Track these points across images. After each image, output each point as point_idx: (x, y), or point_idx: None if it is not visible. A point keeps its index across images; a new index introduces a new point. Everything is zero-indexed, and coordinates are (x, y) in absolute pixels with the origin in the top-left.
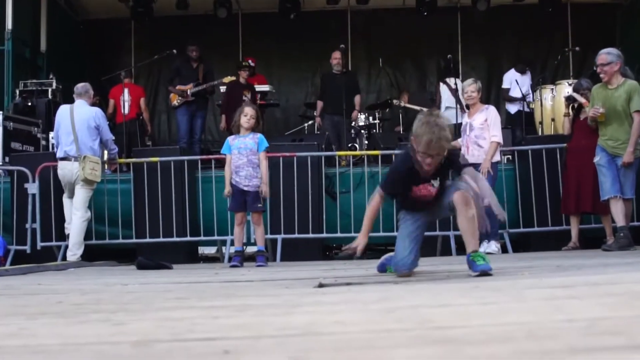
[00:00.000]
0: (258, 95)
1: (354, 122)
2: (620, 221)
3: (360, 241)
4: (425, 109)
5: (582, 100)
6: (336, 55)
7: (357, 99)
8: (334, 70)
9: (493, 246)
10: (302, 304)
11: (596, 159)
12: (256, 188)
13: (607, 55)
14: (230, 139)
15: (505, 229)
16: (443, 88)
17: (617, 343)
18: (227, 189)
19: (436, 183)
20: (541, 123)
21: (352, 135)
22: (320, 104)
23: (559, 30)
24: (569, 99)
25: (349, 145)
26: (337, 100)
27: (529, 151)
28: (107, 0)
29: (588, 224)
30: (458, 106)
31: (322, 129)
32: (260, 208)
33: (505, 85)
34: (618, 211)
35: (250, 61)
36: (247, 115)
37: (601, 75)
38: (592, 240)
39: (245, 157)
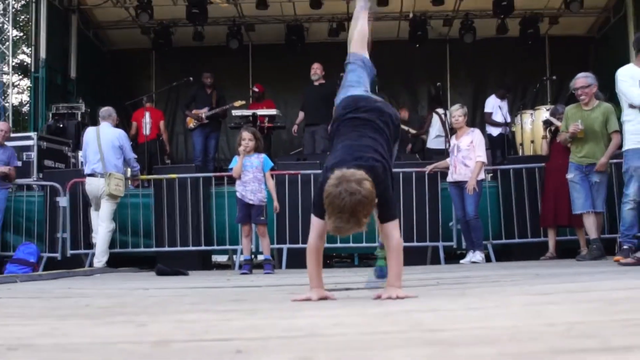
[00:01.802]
0: (265, 119)
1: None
2: (593, 234)
3: (314, 295)
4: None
5: (558, 123)
6: (314, 66)
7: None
8: (314, 82)
9: (478, 256)
10: (306, 308)
11: (569, 176)
12: (260, 202)
13: (586, 79)
14: (238, 157)
15: (489, 240)
16: (435, 118)
17: (592, 345)
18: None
19: None
20: (521, 145)
21: (327, 143)
22: (301, 114)
23: (538, 61)
24: (546, 123)
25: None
26: (313, 110)
27: (511, 170)
28: (130, 32)
29: (564, 236)
30: (445, 135)
31: (303, 140)
32: (263, 221)
33: (487, 110)
34: (591, 225)
35: (256, 87)
36: (245, 139)
37: (582, 98)
38: (567, 251)
39: (251, 173)
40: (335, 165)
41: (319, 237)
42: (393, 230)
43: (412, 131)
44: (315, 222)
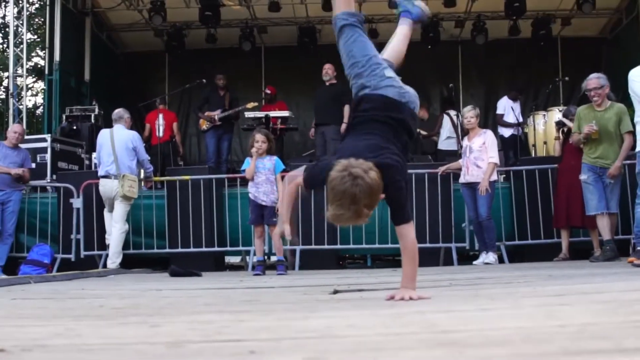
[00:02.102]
0: (278, 121)
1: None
2: (606, 235)
3: (285, 227)
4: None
5: (570, 124)
6: (325, 67)
7: (346, 109)
8: (325, 82)
9: (491, 257)
10: (319, 309)
11: (583, 177)
12: (273, 203)
13: (599, 80)
14: (250, 159)
15: (502, 241)
16: (445, 119)
17: (605, 347)
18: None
19: None
20: (534, 146)
21: (337, 144)
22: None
23: (550, 62)
24: (559, 124)
25: None
26: (322, 110)
27: (524, 171)
28: (143, 35)
29: (577, 237)
30: (456, 137)
31: (315, 140)
32: (276, 221)
33: (499, 111)
34: (604, 226)
35: (268, 90)
36: (258, 141)
37: (595, 99)
38: (580, 252)
39: (264, 175)
40: (348, 157)
41: (292, 195)
42: (408, 233)
43: (423, 133)
44: (291, 188)
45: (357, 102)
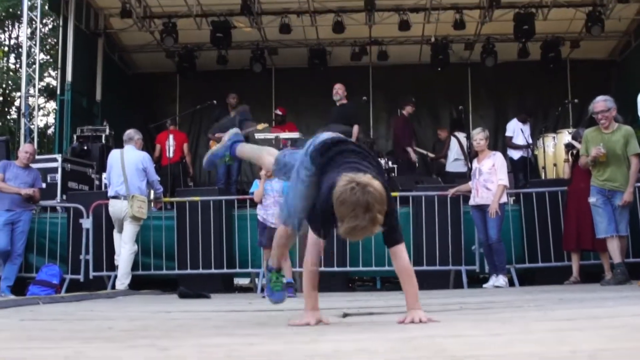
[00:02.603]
0: (287, 142)
1: None
2: (617, 258)
3: (311, 319)
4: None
5: (580, 147)
6: (336, 87)
7: (354, 130)
8: (336, 102)
9: (501, 280)
10: (328, 332)
11: (592, 200)
12: None
13: (605, 102)
14: (259, 181)
15: (512, 264)
16: (453, 141)
17: None
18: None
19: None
20: (544, 168)
21: None
22: None
23: (560, 84)
24: (568, 146)
25: None
26: (330, 130)
27: (534, 193)
28: (155, 56)
29: (588, 260)
30: (464, 159)
31: None
32: None
33: (508, 134)
34: (615, 249)
35: (279, 111)
36: None
37: (602, 122)
38: (591, 275)
39: (272, 197)
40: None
41: (317, 256)
42: (403, 253)
43: (431, 155)
44: (312, 239)
45: (320, 154)
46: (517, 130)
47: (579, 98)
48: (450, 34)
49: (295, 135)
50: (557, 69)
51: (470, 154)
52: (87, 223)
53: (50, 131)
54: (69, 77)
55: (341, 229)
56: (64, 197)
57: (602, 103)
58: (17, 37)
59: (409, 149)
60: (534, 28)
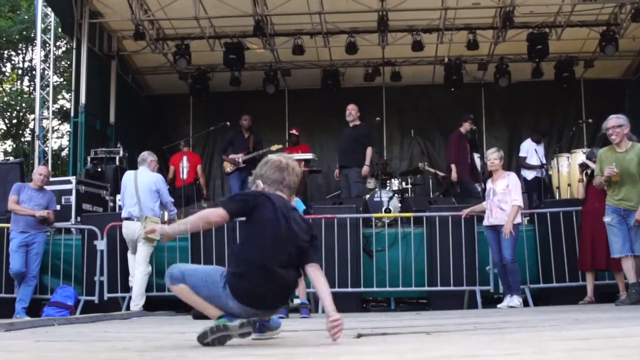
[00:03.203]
0: (301, 163)
1: (365, 178)
2: (632, 278)
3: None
4: (439, 173)
5: (594, 166)
6: (349, 107)
7: (368, 152)
8: (349, 123)
9: (515, 300)
10: (343, 352)
11: (606, 219)
12: None
13: (618, 119)
14: None
15: (527, 284)
16: None
17: None
18: None
19: None
20: (558, 188)
21: (360, 187)
22: None
23: (574, 104)
24: (582, 166)
25: (384, 208)
26: (342, 152)
27: (548, 214)
28: (168, 78)
29: (602, 280)
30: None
31: (340, 182)
32: None
33: (522, 154)
34: (629, 268)
35: (294, 131)
36: None
37: (612, 137)
38: (606, 295)
39: None
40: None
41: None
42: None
43: (441, 174)
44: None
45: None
46: (531, 151)
47: (593, 118)
48: (463, 54)
49: (309, 156)
50: (571, 88)
51: (484, 175)
52: (101, 245)
53: (64, 153)
54: (82, 100)
55: (270, 177)
56: (79, 218)
57: (614, 119)
58: (30, 60)
59: (453, 166)
60: (548, 48)
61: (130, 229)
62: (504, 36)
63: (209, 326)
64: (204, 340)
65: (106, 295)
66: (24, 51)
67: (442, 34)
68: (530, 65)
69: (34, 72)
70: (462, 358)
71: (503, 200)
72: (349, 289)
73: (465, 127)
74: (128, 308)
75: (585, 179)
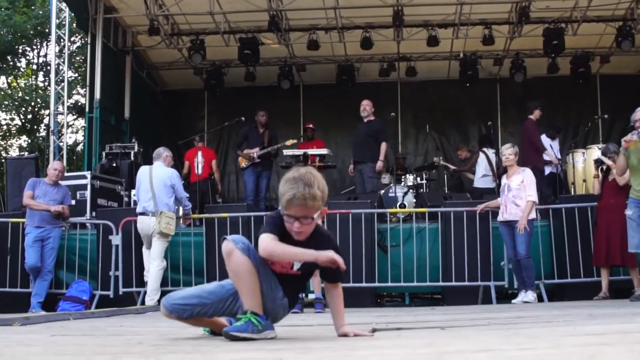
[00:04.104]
0: (316, 158)
1: (379, 173)
2: None
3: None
4: (454, 167)
5: (609, 163)
6: (363, 103)
7: (382, 147)
8: (363, 119)
9: (530, 296)
10: (357, 347)
11: (628, 212)
12: None
13: None
14: None
15: (541, 279)
16: (481, 157)
17: None
18: None
19: (297, 266)
20: (573, 184)
21: (374, 182)
22: None
23: (589, 100)
24: (598, 162)
25: (399, 203)
26: (358, 148)
27: (563, 209)
28: (183, 73)
29: (617, 276)
30: (492, 175)
31: (354, 177)
32: None
33: None
34: None
35: (311, 125)
36: None
37: None
38: (621, 291)
39: None
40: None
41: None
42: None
43: (452, 167)
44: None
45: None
46: (546, 147)
47: (609, 113)
48: (479, 49)
49: (323, 151)
50: (586, 84)
51: (499, 170)
52: (116, 239)
53: (79, 148)
54: (97, 95)
55: (283, 205)
56: (94, 213)
57: None
58: (45, 55)
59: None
60: (564, 43)
61: (145, 224)
62: (520, 31)
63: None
64: (239, 336)
65: (121, 290)
66: (39, 46)
67: (458, 29)
68: (546, 60)
69: (48, 68)
70: (476, 353)
71: (518, 195)
72: (364, 284)
73: (536, 114)
74: (143, 303)
75: (600, 175)
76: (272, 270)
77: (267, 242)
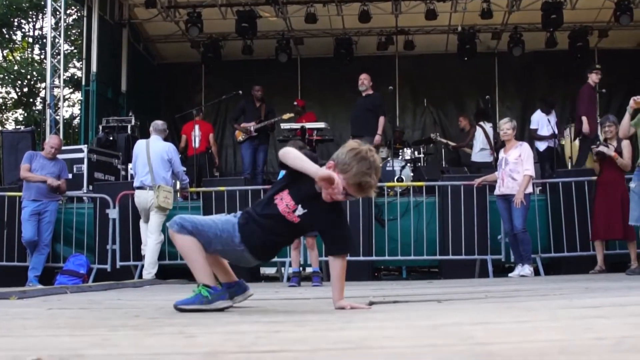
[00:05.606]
0: (313, 132)
1: (377, 147)
2: None
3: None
4: (450, 143)
5: (611, 153)
6: (361, 77)
7: (380, 121)
8: (362, 92)
9: (527, 269)
10: (354, 320)
11: (632, 185)
12: None
13: None
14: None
15: (538, 253)
16: (479, 131)
17: None
18: None
19: (300, 211)
20: (570, 158)
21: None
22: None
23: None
24: (599, 154)
25: (396, 177)
26: (356, 121)
27: (560, 183)
28: (180, 46)
29: (613, 250)
30: (490, 149)
31: None
32: (312, 233)
33: (533, 126)
34: None
35: (296, 103)
36: None
37: None
38: (616, 265)
39: None
40: None
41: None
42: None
43: (452, 144)
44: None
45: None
46: (542, 122)
47: (607, 88)
48: (477, 23)
49: (321, 125)
50: (585, 58)
51: (497, 144)
52: (113, 213)
53: (75, 122)
54: (93, 68)
55: (351, 179)
56: (90, 187)
57: None
58: (41, 28)
59: (584, 119)
60: (562, 17)
61: (142, 198)
62: (518, 5)
63: (197, 295)
64: (186, 308)
65: (118, 264)
66: (34, 19)
67: (456, 3)
68: (544, 34)
69: (44, 41)
70: (473, 325)
71: (515, 170)
72: (361, 258)
73: (593, 78)
74: (140, 276)
75: (599, 162)
76: (275, 206)
77: (289, 147)
